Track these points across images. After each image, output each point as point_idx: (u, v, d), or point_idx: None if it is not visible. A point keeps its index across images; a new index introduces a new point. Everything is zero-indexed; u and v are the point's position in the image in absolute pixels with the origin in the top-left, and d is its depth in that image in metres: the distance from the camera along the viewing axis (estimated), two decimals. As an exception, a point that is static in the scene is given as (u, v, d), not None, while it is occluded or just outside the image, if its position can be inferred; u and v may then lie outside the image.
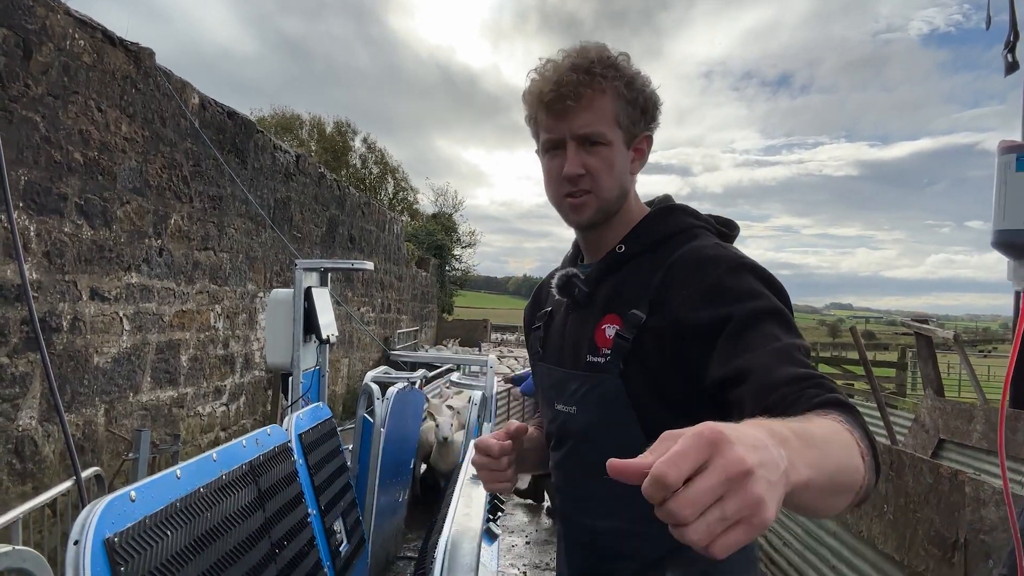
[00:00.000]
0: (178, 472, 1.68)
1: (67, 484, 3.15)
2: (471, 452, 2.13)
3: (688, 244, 1.30)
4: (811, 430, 0.85)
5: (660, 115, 1.37)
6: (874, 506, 3.78)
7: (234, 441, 2.07)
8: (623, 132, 1.31)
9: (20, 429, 4.49)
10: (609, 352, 1.29)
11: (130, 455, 3.64)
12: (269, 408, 8.72)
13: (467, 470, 1.82)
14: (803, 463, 0.75)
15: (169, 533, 1.54)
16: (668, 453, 0.64)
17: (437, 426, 5.64)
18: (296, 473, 2.44)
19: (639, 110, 1.33)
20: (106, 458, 5.42)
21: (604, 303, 1.35)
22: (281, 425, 2.54)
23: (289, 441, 2.45)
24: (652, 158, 1.41)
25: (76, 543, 1.26)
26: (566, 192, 1.33)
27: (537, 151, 1.38)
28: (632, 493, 0.71)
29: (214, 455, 1.90)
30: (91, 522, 1.30)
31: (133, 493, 1.46)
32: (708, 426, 0.65)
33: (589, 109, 1.27)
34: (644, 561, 1.28)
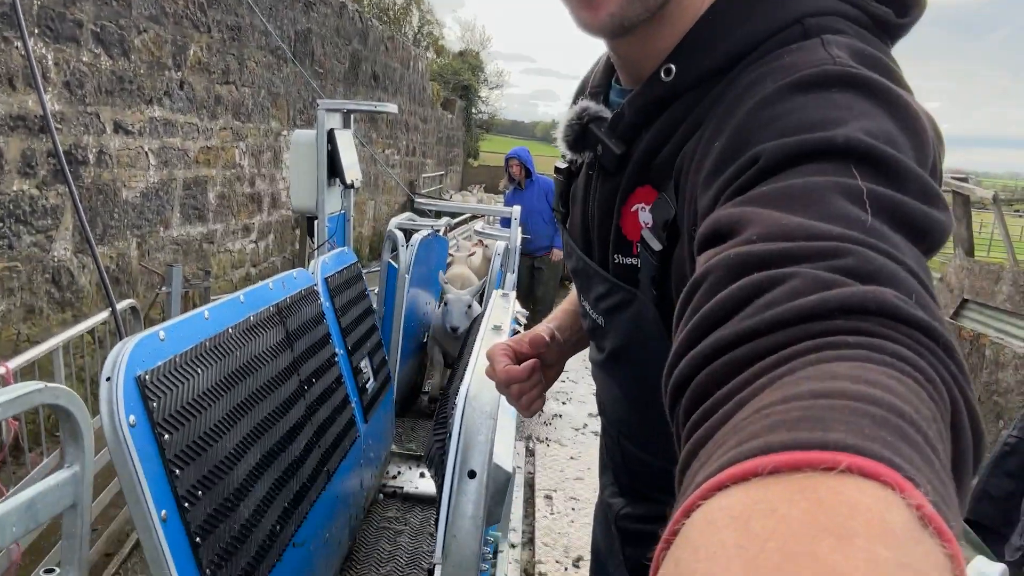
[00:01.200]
0: (206, 313, 1.71)
1: (104, 314, 3.27)
2: (494, 301, 2.15)
3: (788, 54, 0.68)
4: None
5: None
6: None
7: (260, 283, 2.10)
8: None
9: (56, 260, 4.61)
10: (638, 254, 0.87)
11: (163, 289, 3.74)
12: (297, 247, 8.87)
13: (488, 319, 1.84)
14: None
15: (199, 371, 1.59)
16: None
17: (445, 304, 4.05)
18: (323, 315, 2.49)
19: None
20: (141, 290, 5.60)
21: (637, 167, 0.86)
22: (307, 268, 2.56)
23: (315, 284, 2.49)
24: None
25: (108, 379, 1.30)
26: None
27: None
28: (667, 433, 0.52)
29: (241, 297, 1.92)
30: (122, 360, 1.33)
31: (162, 333, 1.50)
32: None
33: None
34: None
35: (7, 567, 2.36)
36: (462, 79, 28.55)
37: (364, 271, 3.13)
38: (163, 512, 1.35)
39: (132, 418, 1.33)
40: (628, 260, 0.89)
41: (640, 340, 0.91)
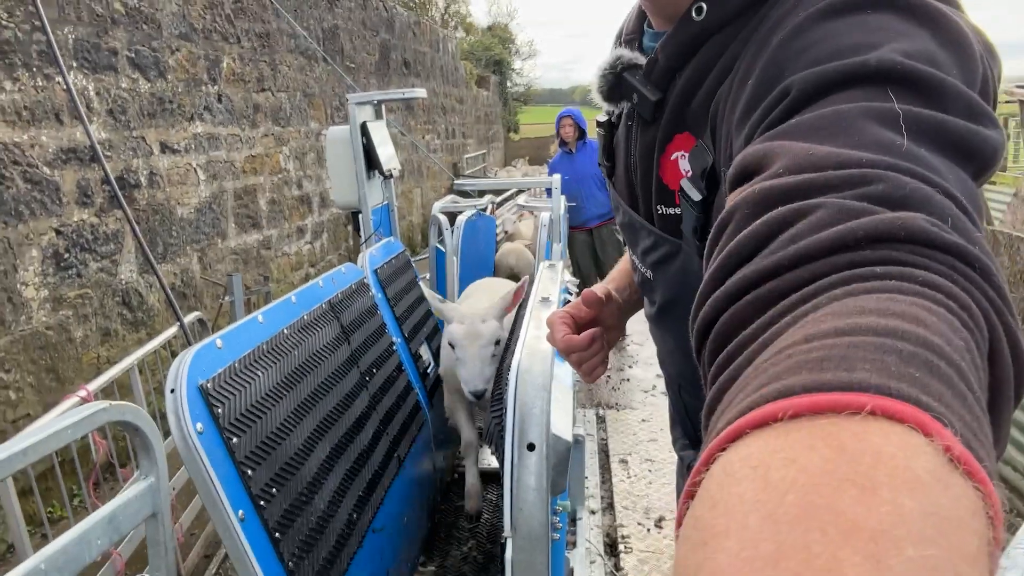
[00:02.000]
0: (260, 317, 1.75)
1: (173, 330, 3.38)
2: (542, 273, 2.13)
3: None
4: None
5: None
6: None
7: (310, 283, 2.14)
8: None
9: (123, 283, 4.80)
10: (679, 202, 0.83)
11: (226, 298, 3.85)
12: (351, 243, 9.02)
13: (537, 291, 1.82)
14: None
15: (259, 373, 1.63)
16: None
17: (452, 346, 2.47)
18: (376, 306, 2.52)
19: None
20: (207, 302, 5.78)
21: (673, 114, 0.82)
22: (356, 263, 2.60)
23: (365, 277, 2.52)
24: None
25: (172, 391, 1.35)
26: None
27: None
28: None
29: (292, 298, 1.96)
30: (183, 371, 1.37)
31: (219, 341, 1.53)
32: None
33: None
34: None
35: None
36: (493, 54, 28.35)
37: (415, 258, 3.15)
38: (240, 512, 1.39)
39: (199, 425, 1.37)
40: (671, 211, 0.86)
41: (689, 292, 0.74)
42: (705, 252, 0.53)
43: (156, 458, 1.33)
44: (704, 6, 0.76)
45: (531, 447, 1.25)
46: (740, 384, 0.36)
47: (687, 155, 0.80)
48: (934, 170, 0.43)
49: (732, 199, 0.50)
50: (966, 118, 0.48)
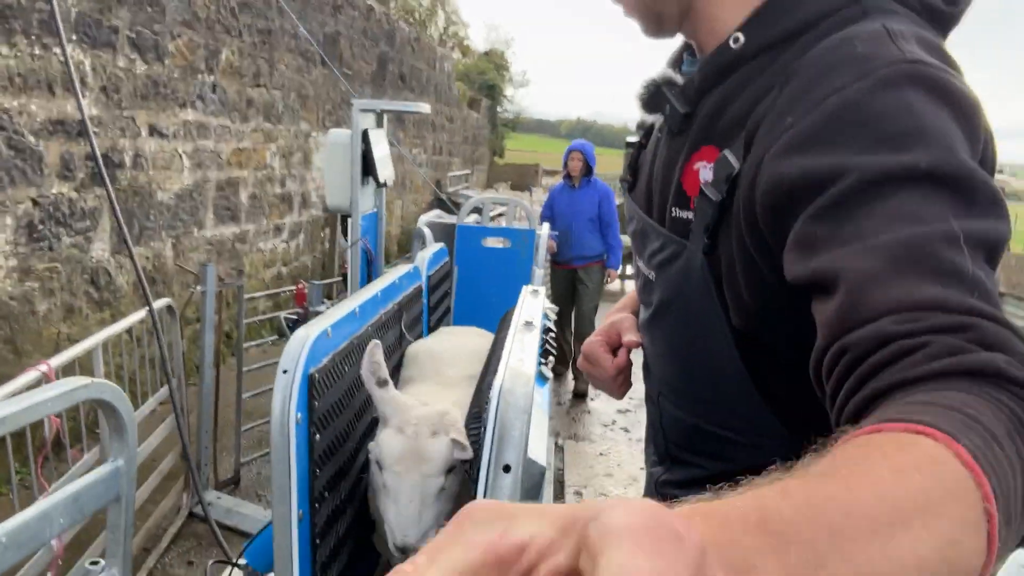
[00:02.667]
0: (357, 309, 1.74)
1: (141, 313, 3.33)
2: (524, 298, 2.16)
3: (840, 32, 0.77)
4: (817, 511, 0.39)
5: None
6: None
7: (391, 278, 2.13)
8: None
9: (94, 261, 4.72)
10: (694, 208, 0.91)
11: (198, 288, 3.81)
12: (327, 246, 8.97)
13: (520, 315, 1.85)
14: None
15: (347, 369, 1.63)
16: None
17: (379, 465, 1.63)
18: (422, 313, 2.55)
19: None
20: (176, 289, 5.70)
21: (703, 128, 0.91)
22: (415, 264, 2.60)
23: (421, 282, 2.56)
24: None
25: (285, 372, 1.33)
26: None
27: None
28: (706, 396, 0.85)
29: (379, 293, 1.97)
30: (302, 355, 1.35)
31: (330, 330, 1.52)
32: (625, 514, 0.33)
33: None
34: (733, 463, 0.91)
35: (50, 560, 2.42)
36: (487, 78, 28.57)
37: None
38: (300, 512, 1.37)
39: (299, 415, 1.36)
40: (684, 214, 0.94)
41: (686, 293, 0.94)
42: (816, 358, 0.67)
43: (129, 440, 1.31)
44: (741, 36, 0.86)
45: (507, 469, 1.26)
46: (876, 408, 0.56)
47: (711, 165, 0.88)
48: (995, 299, 0.60)
49: (822, 309, 0.66)
50: (990, 209, 0.64)
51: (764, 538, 0.36)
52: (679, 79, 0.97)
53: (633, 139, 1.12)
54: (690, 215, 0.91)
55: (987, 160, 0.72)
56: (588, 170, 5.67)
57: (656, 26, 0.96)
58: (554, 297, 5.96)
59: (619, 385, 1.19)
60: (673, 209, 0.96)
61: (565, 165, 5.74)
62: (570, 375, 6.17)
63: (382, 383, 1.62)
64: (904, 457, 0.45)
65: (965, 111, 0.69)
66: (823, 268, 0.65)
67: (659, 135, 1.03)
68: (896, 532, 0.39)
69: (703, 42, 0.95)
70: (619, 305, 1.31)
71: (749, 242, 0.81)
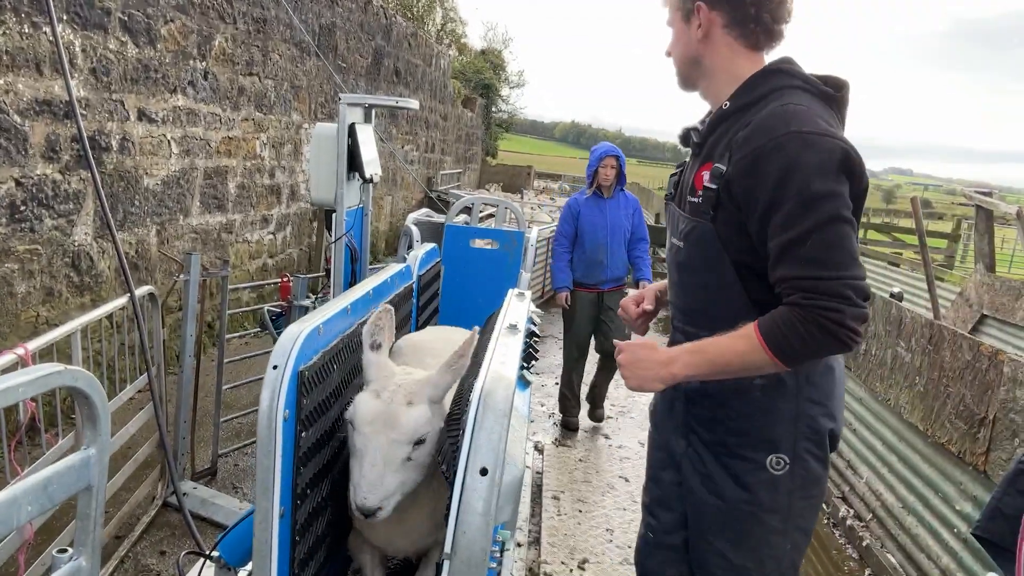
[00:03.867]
0: (348, 307, 1.73)
1: (122, 300, 3.30)
2: (509, 300, 2.15)
3: (770, 104, 1.57)
4: (710, 344, 1.57)
5: None
6: (905, 377, 3.80)
7: (382, 275, 2.12)
8: (681, 10, 1.72)
9: (76, 244, 4.66)
10: (701, 196, 1.66)
11: (181, 277, 3.77)
12: (314, 239, 8.92)
13: (504, 319, 1.84)
14: (681, 366, 1.58)
15: (335, 367, 1.62)
16: (622, 355, 1.65)
17: (352, 459, 1.70)
18: (410, 314, 2.54)
19: None
20: (159, 277, 5.65)
21: (707, 151, 1.70)
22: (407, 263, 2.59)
23: (412, 281, 2.54)
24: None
25: (275, 367, 1.32)
26: None
27: None
28: (715, 314, 1.70)
29: (370, 292, 1.95)
30: (293, 351, 1.35)
31: (321, 327, 1.51)
32: (628, 350, 1.66)
33: (667, 1, 1.78)
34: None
35: (20, 545, 2.39)
36: (483, 78, 28.53)
37: (373, 267, 3.15)
38: (282, 508, 1.36)
39: (287, 412, 1.35)
40: (694, 199, 1.70)
41: (702, 251, 1.70)
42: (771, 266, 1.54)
43: (101, 430, 1.29)
44: (728, 103, 1.67)
45: (484, 472, 1.26)
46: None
47: (709, 172, 1.64)
48: (794, 277, 1.50)
49: (778, 263, 1.52)
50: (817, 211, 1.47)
51: (688, 352, 1.59)
52: (699, 127, 1.79)
53: (676, 173, 1.90)
54: (698, 199, 1.67)
55: (857, 175, 1.53)
56: (621, 178, 5.01)
57: (684, 84, 1.81)
58: (575, 329, 5.23)
59: (641, 326, 2.07)
60: (689, 197, 1.72)
61: (594, 173, 4.93)
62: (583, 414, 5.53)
63: (376, 346, 1.69)
64: (741, 332, 1.53)
65: (825, 152, 1.48)
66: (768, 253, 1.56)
67: (688, 159, 1.83)
68: (725, 345, 1.54)
69: (710, 102, 1.77)
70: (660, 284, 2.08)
71: (730, 204, 1.60)
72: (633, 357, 1.62)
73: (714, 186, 1.59)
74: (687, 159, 1.85)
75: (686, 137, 1.82)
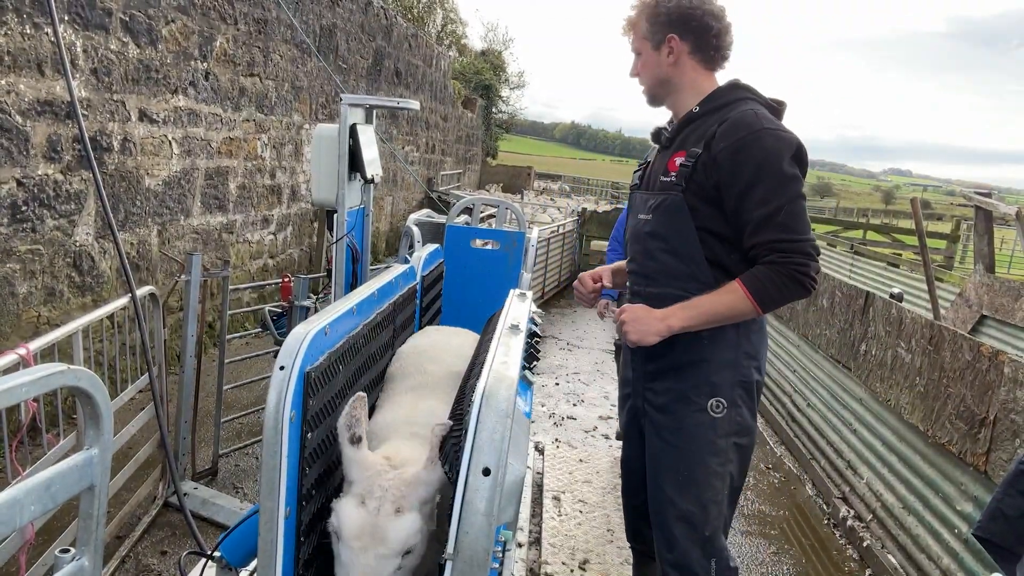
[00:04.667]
0: (354, 308, 1.74)
1: (124, 300, 3.30)
2: (511, 301, 2.15)
3: (736, 109, 2.01)
4: (702, 300, 1.97)
5: (694, 15, 2.08)
6: (905, 377, 3.80)
7: (387, 277, 2.12)
8: (651, 41, 2.13)
9: (77, 244, 4.67)
10: (675, 175, 2.04)
11: (182, 277, 3.77)
12: (315, 240, 8.92)
13: (506, 319, 1.84)
14: (678, 319, 1.98)
15: (341, 368, 1.62)
16: (623, 315, 2.05)
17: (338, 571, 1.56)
18: (414, 314, 2.54)
19: (661, 22, 2.09)
20: (160, 277, 5.65)
21: (679, 143, 2.11)
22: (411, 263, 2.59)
23: (416, 282, 2.54)
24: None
25: (282, 368, 1.32)
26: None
27: None
28: (676, 273, 2.09)
29: (375, 292, 1.95)
30: (300, 352, 1.35)
31: (327, 328, 1.51)
32: (629, 310, 2.07)
33: (633, 33, 2.19)
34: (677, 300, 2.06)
35: (21, 545, 2.39)
36: (484, 79, 28.54)
37: (374, 267, 3.15)
38: (288, 509, 1.37)
39: (293, 413, 1.35)
40: (667, 179, 2.08)
41: (669, 218, 2.06)
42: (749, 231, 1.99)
43: (104, 429, 1.30)
44: (698, 108, 2.11)
45: (487, 472, 1.26)
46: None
47: (682, 158, 2.05)
48: (771, 241, 1.96)
49: (754, 232, 1.98)
50: (785, 194, 1.95)
51: (682, 308, 2.00)
52: (667, 127, 2.23)
53: (639, 168, 2.33)
54: (671, 179, 2.06)
55: (803, 162, 2.00)
56: None
57: (652, 101, 2.24)
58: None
59: (592, 299, 2.48)
60: (661, 178, 2.11)
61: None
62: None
63: (355, 440, 1.54)
64: (728, 288, 1.97)
65: (776, 149, 1.94)
66: (740, 221, 1.99)
67: (656, 154, 2.25)
68: (715, 300, 1.97)
69: (676, 111, 2.20)
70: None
71: (704, 182, 2.00)
72: (633, 316, 2.03)
73: (689, 163, 2.00)
74: (648, 157, 2.31)
75: (658, 134, 2.23)
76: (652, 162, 2.25)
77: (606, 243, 5.12)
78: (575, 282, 2.38)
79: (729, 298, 1.93)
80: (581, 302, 2.49)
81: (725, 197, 1.97)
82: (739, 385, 2.06)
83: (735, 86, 2.12)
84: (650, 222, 2.12)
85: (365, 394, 1.57)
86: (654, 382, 2.16)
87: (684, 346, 2.04)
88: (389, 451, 1.62)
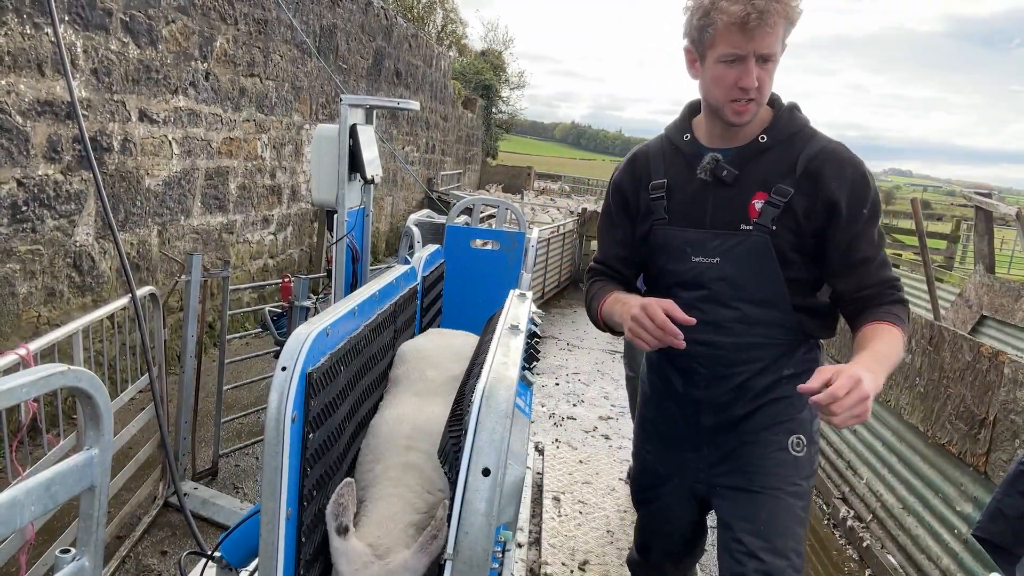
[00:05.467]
0: (355, 309, 1.74)
1: (124, 300, 3.30)
2: (511, 301, 2.15)
3: (811, 140, 1.80)
4: (885, 352, 1.65)
5: None
6: (905, 378, 3.80)
7: (387, 277, 2.12)
8: (782, 49, 1.71)
9: (77, 245, 4.67)
10: (759, 217, 1.78)
11: (182, 277, 3.77)
12: (315, 240, 8.92)
13: (505, 319, 1.84)
14: (882, 378, 1.56)
15: (342, 369, 1.62)
16: (835, 384, 1.45)
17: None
18: (414, 316, 2.54)
19: (792, 26, 1.69)
20: (160, 277, 5.66)
21: (754, 182, 1.80)
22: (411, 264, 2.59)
23: (416, 283, 2.54)
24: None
25: (284, 369, 1.32)
26: (733, 98, 1.70)
27: (693, 50, 1.75)
28: (759, 320, 1.84)
29: (376, 292, 1.95)
30: (301, 353, 1.35)
31: (329, 329, 1.52)
32: (852, 371, 1.47)
33: (772, 32, 1.62)
34: (764, 362, 1.86)
35: (21, 545, 2.39)
36: (484, 79, 28.56)
37: (374, 268, 3.15)
38: (289, 510, 1.37)
39: (295, 414, 1.35)
40: (748, 227, 1.80)
41: (751, 263, 1.81)
42: (842, 274, 1.84)
43: (104, 430, 1.30)
44: (765, 136, 1.81)
45: (486, 472, 1.26)
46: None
47: (762, 202, 1.78)
48: (895, 278, 1.84)
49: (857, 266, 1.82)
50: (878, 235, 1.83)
51: (875, 362, 1.58)
52: (721, 156, 1.82)
53: (657, 195, 1.92)
54: (752, 226, 1.79)
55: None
56: None
57: (744, 124, 1.79)
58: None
59: (662, 339, 1.70)
60: (742, 225, 1.80)
61: None
62: None
63: (342, 530, 1.51)
64: (890, 334, 1.70)
65: (875, 188, 1.85)
66: (854, 259, 1.80)
67: (703, 185, 1.85)
68: (893, 352, 1.67)
69: (735, 137, 1.83)
70: (616, 297, 1.94)
71: (804, 226, 1.77)
72: (860, 394, 1.46)
73: (779, 203, 1.75)
74: (671, 181, 1.91)
75: (717, 168, 1.81)
76: (700, 194, 1.85)
77: None
78: (636, 311, 1.69)
79: (899, 343, 1.69)
80: (641, 343, 1.73)
81: (835, 238, 1.76)
82: (815, 420, 1.88)
83: (794, 109, 1.85)
84: (718, 267, 1.82)
85: (352, 480, 1.54)
86: (720, 466, 1.92)
87: (764, 388, 1.86)
88: (377, 531, 1.58)
